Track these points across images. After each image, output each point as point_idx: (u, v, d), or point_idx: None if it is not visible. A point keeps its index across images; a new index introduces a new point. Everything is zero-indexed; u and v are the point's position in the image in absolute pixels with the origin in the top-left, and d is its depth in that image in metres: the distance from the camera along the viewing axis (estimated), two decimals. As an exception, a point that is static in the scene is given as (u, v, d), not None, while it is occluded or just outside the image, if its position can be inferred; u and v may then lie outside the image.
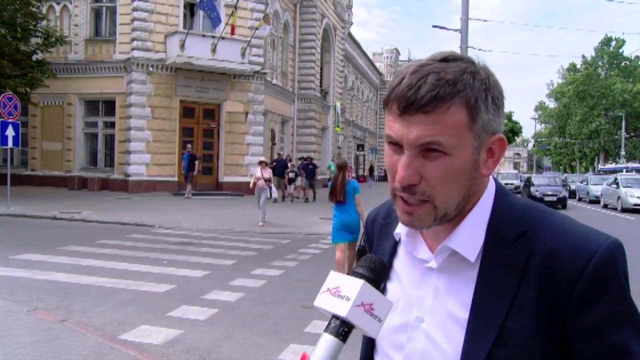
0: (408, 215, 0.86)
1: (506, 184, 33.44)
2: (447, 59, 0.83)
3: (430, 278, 0.90)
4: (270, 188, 13.06)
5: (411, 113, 0.80)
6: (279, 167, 20.60)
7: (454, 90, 0.79)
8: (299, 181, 21.90)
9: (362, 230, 6.67)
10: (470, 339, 0.83)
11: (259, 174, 13.27)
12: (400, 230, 0.95)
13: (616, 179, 23.99)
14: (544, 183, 25.60)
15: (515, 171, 56.02)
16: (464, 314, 0.84)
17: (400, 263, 0.98)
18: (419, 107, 0.79)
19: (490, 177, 0.91)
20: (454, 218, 0.87)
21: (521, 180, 38.80)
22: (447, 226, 0.88)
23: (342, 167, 7.08)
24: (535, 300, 0.81)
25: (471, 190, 0.86)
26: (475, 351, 0.82)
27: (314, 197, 21.67)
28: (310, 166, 21.76)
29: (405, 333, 0.90)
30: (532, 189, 24.59)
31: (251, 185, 13.73)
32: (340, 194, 6.84)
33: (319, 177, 23.25)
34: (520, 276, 0.82)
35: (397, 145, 0.84)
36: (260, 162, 13.86)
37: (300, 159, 23.79)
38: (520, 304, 0.81)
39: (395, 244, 1.00)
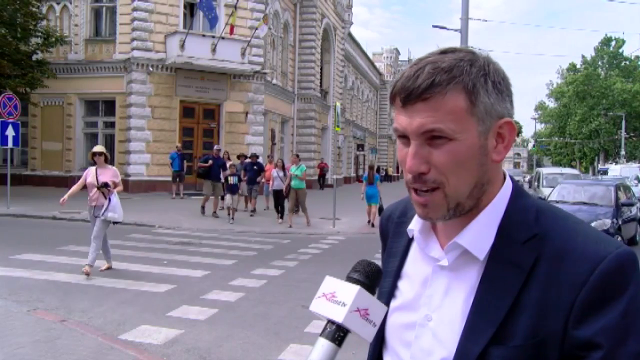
0: (423, 207, 0.86)
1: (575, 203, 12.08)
2: (445, 51, 0.86)
3: (441, 276, 0.90)
4: (109, 201, 7.31)
5: (412, 102, 0.82)
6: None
7: (449, 76, 0.81)
8: (242, 187, 15.21)
9: (379, 199, 13.71)
10: (467, 334, 0.83)
11: (90, 177, 7.44)
12: (414, 227, 0.95)
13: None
14: None
15: (576, 170, 30.80)
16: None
17: (412, 261, 0.98)
18: (417, 96, 0.82)
19: (508, 177, 0.91)
20: (470, 210, 0.87)
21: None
22: (460, 224, 0.88)
23: (372, 167, 14.43)
24: (538, 302, 0.80)
25: (484, 178, 0.86)
26: (471, 346, 0.82)
27: (254, 209, 15.79)
28: (256, 167, 15.58)
29: (413, 331, 0.91)
30: None
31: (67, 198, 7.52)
32: (372, 179, 13.68)
33: (261, 179, 15.96)
34: (525, 277, 0.81)
35: (405, 138, 0.85)
36: (95, 155, 7.54)
37: (239, 156, 16.56)
38: (522, 304, 0.80)
39: (409, 242, 1.00)
